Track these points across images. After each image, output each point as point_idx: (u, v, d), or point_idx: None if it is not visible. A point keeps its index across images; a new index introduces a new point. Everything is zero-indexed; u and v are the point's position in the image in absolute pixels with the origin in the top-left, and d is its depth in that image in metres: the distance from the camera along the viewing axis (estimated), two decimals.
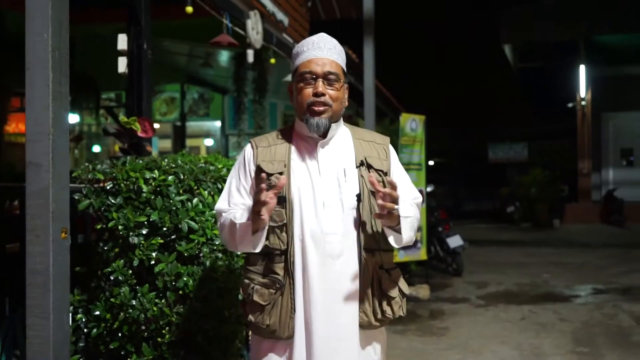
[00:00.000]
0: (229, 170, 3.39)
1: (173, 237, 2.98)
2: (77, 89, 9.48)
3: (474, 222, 19.86)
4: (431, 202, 10.39)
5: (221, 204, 2.33)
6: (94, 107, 10.39)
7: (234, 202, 2.28)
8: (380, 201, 2.09)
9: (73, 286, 3.14)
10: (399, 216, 2.17)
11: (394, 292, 2.29)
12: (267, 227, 2.17)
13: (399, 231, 2.21)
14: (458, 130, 26.53)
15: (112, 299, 2.90)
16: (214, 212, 3.13)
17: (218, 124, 14.25)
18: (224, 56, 9.13)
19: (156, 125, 13.64)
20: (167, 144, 14.22)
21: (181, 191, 3.04)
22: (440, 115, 21.22)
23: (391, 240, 2.23)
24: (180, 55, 9.65)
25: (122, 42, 4.38)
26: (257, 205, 2.05)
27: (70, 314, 3.06)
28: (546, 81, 21.72)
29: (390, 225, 2.21)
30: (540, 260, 11.30)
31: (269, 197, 2.04)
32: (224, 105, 13.81)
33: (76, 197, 3.05)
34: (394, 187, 2.11)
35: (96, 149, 13.37)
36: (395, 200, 2.11)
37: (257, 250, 2.18)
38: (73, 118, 10.48)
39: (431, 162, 26.83)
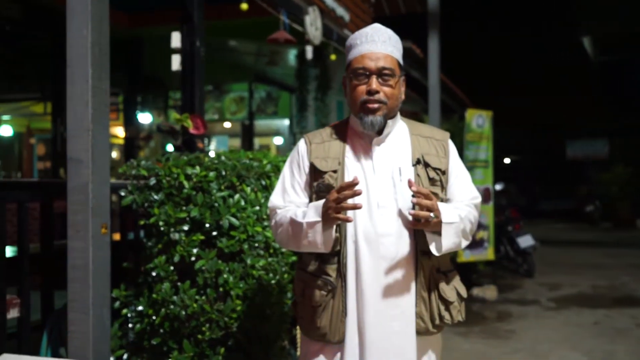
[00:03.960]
0: (274, 167, 3.35)
1: (214, 233, 2.95)
2: (146, 89, 9.73)
3: (550, 221, 19.25)
4: (501, 201, 10.10)
5: (276, 199, 2.25)
6: (163, 107, 10.64)
7: (289, 200, 2.21)
8: (413, 211, 2.00)
9: (121, 281, 3.17)
10: (440, 222, 2.04)
11: (452, 296, 2.17)
12: (334, 226, 2.07)
13: (439, 235, 2.08)
14: (534, 127, 25.72)
15: (153, 295, 2.90)
16: (256, 208, 3.09)
17: (286, 122, 14.31)
18: (290, 54, 9.13)
19: (227, 124, 13.87)
20: (236, 142, 14.42)
21: (223, 187, 3.00)
22: (516, 112, 20.62)
23: (432, 247, 2.09)
24: (248, 54, 9.72)
25: (176, 39, 4.39)
26: (332, 203, 1.99)
27: (117, 309, 3.09)
28: (628, 74, 20.78)
29: (433, 230, 2.08)
30: (619, 261, 10.78)
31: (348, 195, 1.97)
32: (291, 103, 13.86)
33: (122, 194, 3.07)
34: (427, 196, 2.01)
35: (170, 147, 13.70)
36: (430, 207, 2.00)
37: (327, 250, 2.08)
38: (145, 117, 10.75)
39: (507, 160, 26.13)
